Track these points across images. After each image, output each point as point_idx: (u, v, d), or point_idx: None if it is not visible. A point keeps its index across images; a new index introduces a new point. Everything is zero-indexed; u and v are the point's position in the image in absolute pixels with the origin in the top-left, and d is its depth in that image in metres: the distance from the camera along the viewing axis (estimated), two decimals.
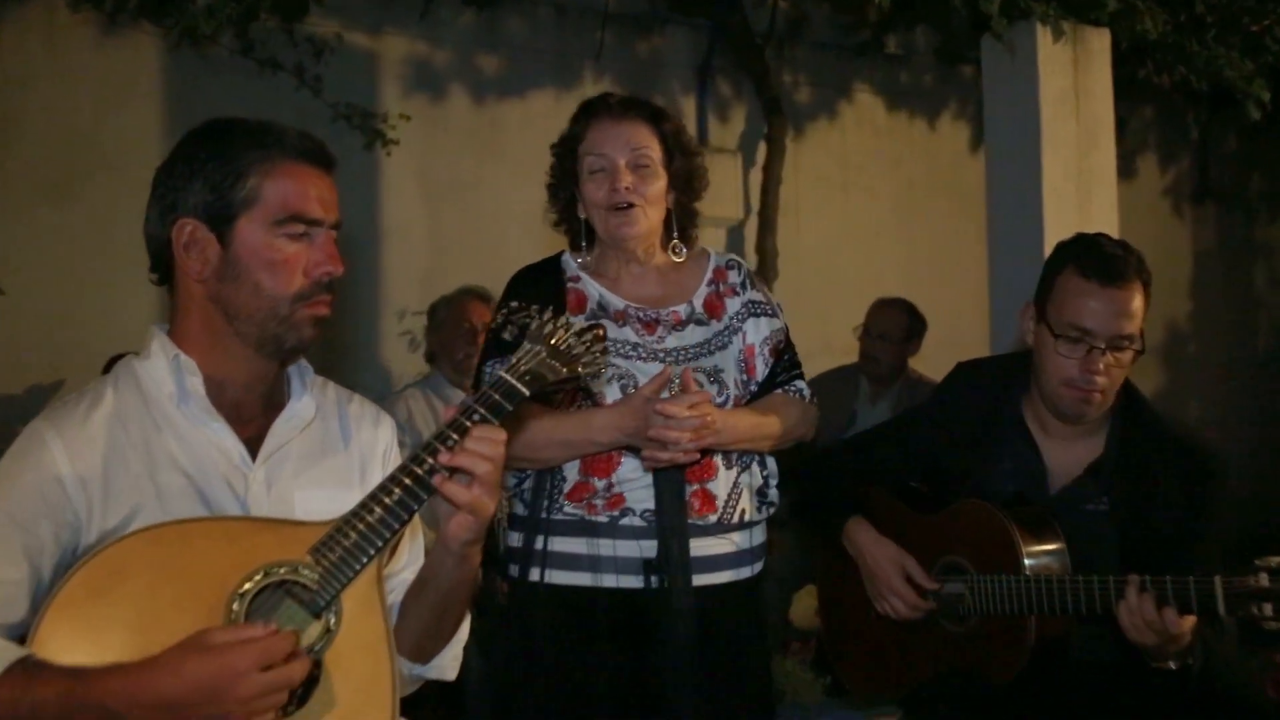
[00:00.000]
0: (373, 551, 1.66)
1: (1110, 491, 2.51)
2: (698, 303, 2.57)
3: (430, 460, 1.68)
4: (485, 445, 1.69)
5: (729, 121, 7.01)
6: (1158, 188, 8.17)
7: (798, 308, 6.68)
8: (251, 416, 1.84)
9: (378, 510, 1.66)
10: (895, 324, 4.96)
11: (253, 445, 1.82)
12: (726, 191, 6.87)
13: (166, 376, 1.79)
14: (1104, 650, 2.46)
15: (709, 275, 2.61)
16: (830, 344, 6.05)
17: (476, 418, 1.70)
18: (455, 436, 1.69)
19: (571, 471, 2.45)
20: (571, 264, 2.57)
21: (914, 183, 7.44)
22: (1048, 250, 2.61)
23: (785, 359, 2.62)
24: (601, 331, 1.82)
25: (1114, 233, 4.41)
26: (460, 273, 5.46)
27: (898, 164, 7.40)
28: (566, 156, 2.56)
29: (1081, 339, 2.45)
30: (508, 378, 1.75)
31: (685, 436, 2.32)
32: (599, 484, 2.44)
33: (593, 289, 2.54)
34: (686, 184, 2.58)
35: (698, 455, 2.41)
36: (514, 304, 2.49)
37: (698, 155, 2.62)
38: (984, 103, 4.96)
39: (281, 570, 1.66)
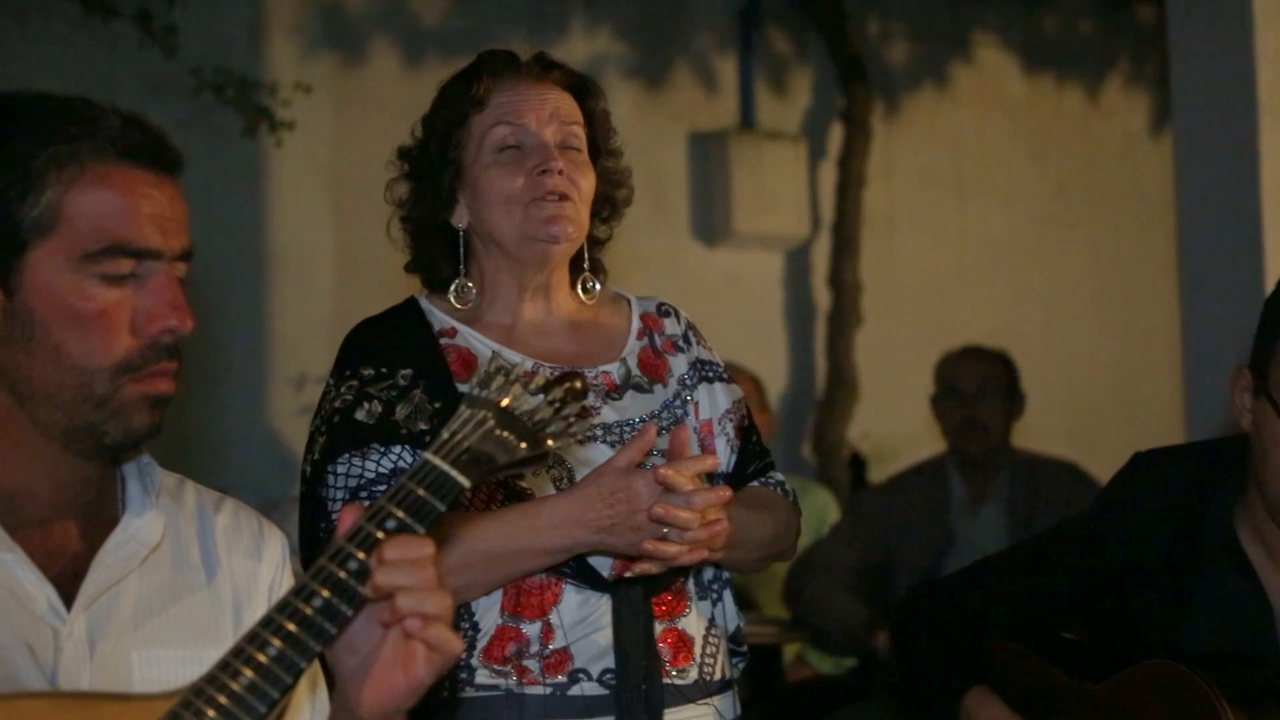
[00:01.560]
0: None
1: None
2: (632, 361, 2.60)
3: (324, 594, 1.66)
4: (404, 572, 1.67)
5: (787, 94, 7.05)
6: None
7: (892, 368, 6.74)
8: (64, 542, 1.82)
9: (247, 673, 1.63)
10: (969, 373, 5.03)
11: (67, 586, 1.79)
12: (784, 196, 6.90)
13: None
14: None
15: (636, 324, 2.66)
16: None
17: (391, 525, 1.67)
18: (360, 556, 1.67)
19: (489, 613, 2.43)
20: (436, 311, 2.58)
21: (1066, 182, 7.46)
22: (1270, 283, 2.60)
23: (753, 442, 2.67)
24: (580, 384, 1.78)
25: None
26: None
27: (1041, 154, 7.43)
28: (449, 133, 2.57)
29: None
30: (437, 462, 1.71)
31: (697, 520, 2.33)
32: (530, 631, 2.43)
33: (480, 344, 2.54)
34: (607, 194, 2.64)
35: (706, 553, 2.41)
36: (369, 371, 2.49)
37: (622, 157, 2.68)
38: (1170, 61, 4.97)
39: None
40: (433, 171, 2.58)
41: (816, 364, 7.00)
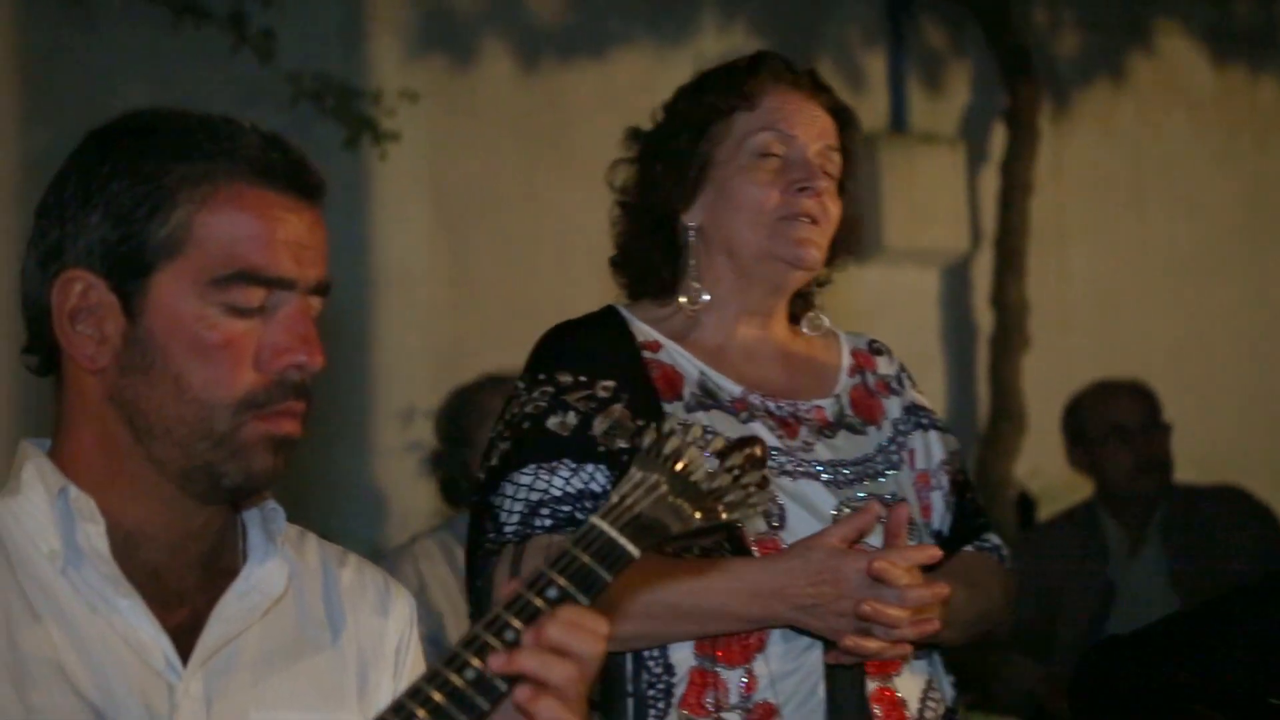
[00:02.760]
0: None
1: None
2: (845, 399, 2.67)
3: (476, 664, 1.67)
4: (575, 635, 1.67)
5: (943, 90, 7.03)
6: None
7: (1064, 397, 6.71)
8: (181, 591, 1.85)
9: None
10: (1130, 409, 5.07)
11: (184, 638, 1.82)
12: (941, 205, 6.88)
13: (48, 524, 1.81)
14: None
15: (848, 360, 2.72)
16: None
17: (553, 594, 1.69)
18: (516, 625, 1.68)
19: (683, 658, 2.47)
20: (638, 322, 2.64)
21: (1261, 187, 7.37)
22: None
23: (969, 499, 2.72)
24: (760, 450, 1.81)
25: None
26: (499, 345, 5.50)
27: (1234, 159, 7.34)
28: (706, 124, 2.62)
29: None
30: (605, 527, 1.72)
31: (906, 617, 2.36)
32: (731, 679, 2.46)
33: (687, 363, 2.60)
34: (839, 235, 2.69)
35: (909, 649, 2.45)
36: (567, 378, 2.53)
37: (859, 201, 2.74)
38: None
39: None
40: (677, 160, 2.63)
41: (978, 393, 6.95)
